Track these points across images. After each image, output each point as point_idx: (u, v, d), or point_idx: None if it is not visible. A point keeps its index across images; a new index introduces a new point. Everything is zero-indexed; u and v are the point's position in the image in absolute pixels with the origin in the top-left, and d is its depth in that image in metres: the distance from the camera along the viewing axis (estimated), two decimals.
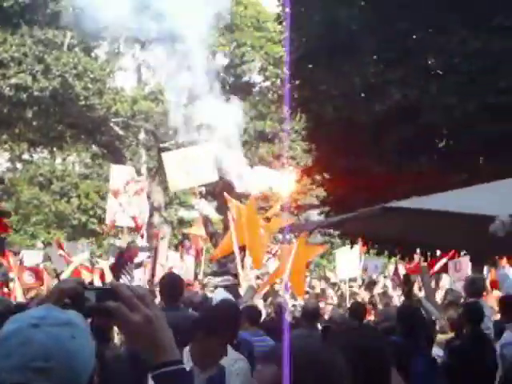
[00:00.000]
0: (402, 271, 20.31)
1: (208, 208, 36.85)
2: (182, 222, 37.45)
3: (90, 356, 2.17)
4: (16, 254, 20.20)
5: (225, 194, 19.14)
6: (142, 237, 22.79)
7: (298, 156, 37.09)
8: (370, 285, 22.04)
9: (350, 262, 19.24)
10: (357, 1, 11.88)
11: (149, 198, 30.80)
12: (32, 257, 22.00)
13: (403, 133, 10.62)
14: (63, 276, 17.59)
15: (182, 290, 9.37)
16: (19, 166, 38.71)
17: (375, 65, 10.90)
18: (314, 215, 30.21)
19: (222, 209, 30.66)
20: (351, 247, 13.63)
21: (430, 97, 10.24)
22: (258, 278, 17.96)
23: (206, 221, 23.43)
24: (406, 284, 12.41)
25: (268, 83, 30.76)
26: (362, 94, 10.81)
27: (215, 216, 32.81)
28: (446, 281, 18.74)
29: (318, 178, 33.79)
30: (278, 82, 30.14)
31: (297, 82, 12.52)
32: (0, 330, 2.17)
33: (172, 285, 8.94)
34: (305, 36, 11.90)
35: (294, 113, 12.59)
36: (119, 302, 2.22)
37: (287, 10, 12.34)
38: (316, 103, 11.50)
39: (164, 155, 20.70)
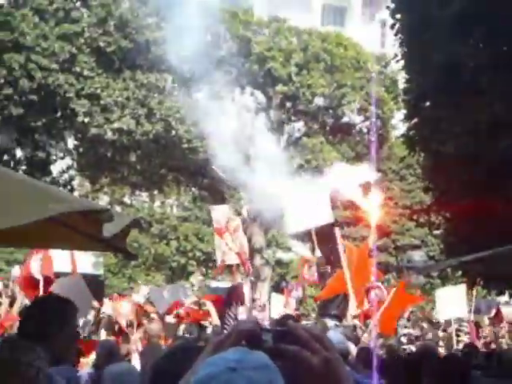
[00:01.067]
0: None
1: (303, 249, 36.83)
2: (279, 263, 37.43)
3: None
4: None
5: (336, 232, 19.01)
6: (249, 273, 22.94)
7: (396, 196, 36.86)
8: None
9: (453, 301, 18.85)
10: (474, 38, 11.71)
11: (249, 240, 30.93)
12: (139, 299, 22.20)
13: None
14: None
15: None
16: (118, 209, 39.20)
17: (499, 102, 10.67)
18: (416, 255, 29.87)
19: (317, 249, 30.55)
20: (471, 288, 13.37)
21: None
22: (354, 317, 17.88)
23: (319, 262, 23.43)
24: None
25: (368, 123, 30.72)
26: (486, 132, 10.59)
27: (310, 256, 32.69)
28: None
29: (421, 219, 33.46)
30: (379, 122, 30.08)
31: (414, 121, 12.43)
32: (196, 375, 2.11)
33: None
34: (422, 74, 11.80)
35: (412, 152, 12.48)
36: (299, 346, 2.15)
37: (404, 49, 12.31)
38: (436, 141, 11.34)
39: (284, 198, 20.83)
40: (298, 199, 20.19)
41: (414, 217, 35.98)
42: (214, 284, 37.58)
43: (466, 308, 19.52)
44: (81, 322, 13.99)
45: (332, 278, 20.06)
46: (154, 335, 12.91)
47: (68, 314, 4.77)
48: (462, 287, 17.03)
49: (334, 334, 11.28)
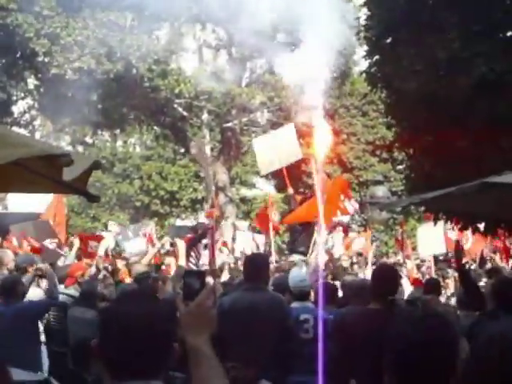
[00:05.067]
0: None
1: (268, 186, 36.92)
2: (244, 201, 37.51)
3: None
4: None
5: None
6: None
7: (358, 132, 36.96)
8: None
9: (433, 238, 19.05)
10: None
11: (213, 178, 30.96)
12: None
13: (489, 108, 10.42)
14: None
15: (266, 270, 9.16)
16: (80, 149, 38.86)
17: (460, 38, 10.67)
18: (379, 191, 30.10)
19: (281, 186, 30.64)
20: (434, 224, 13.49)
21: None
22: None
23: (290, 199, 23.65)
24: None
25: None
26: (446, 69, 10.62)
27: (275, 194, 32.79)
28: None
29: (384, 155, 33.70)
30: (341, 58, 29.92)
31: (376, 58, 12.41)
32: None
33: (255, 265, 8.90)
34: (384, 11, 11.76)
35: (374, 88, 12.49)
36: None
37: None
38: (398, 78, 11.35)
39: (254, 140, 20.95)
40: (266, 139, 20.30)
41: (377, 152, 36.19)
42: (178, 222, 37.67)
43: (444, 245, 19.70)
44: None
45: (303, 205, 20.09)
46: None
47: None
48: (440, 223, 17.18)
49: (297, 272, 11.36)
